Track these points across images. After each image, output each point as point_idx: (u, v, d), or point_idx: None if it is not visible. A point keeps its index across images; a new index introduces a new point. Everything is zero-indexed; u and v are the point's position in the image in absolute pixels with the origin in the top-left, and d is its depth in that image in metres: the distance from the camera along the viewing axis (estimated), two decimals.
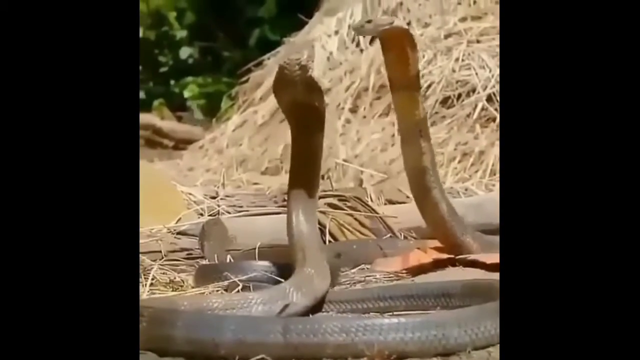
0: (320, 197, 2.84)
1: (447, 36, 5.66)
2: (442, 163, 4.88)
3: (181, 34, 11.10)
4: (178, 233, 3.07)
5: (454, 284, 2.30)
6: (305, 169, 2.38)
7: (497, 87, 5.14)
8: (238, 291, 2.34)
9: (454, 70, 5.39)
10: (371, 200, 3.34)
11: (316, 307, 2.20)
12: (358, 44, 6.07)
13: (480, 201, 3.39)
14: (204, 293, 2.38)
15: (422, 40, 5.55)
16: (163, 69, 11.12)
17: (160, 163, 6.85)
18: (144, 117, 8.31)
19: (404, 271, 2.64)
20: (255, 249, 2.74)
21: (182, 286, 2.53)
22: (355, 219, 3.04)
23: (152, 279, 2.52)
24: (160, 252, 2.88)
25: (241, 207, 3.47)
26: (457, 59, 5.42)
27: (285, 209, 2.40)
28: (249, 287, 2.35)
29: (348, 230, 3.00)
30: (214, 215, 3.32)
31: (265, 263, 2.49)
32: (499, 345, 1.81)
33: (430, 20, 5.86)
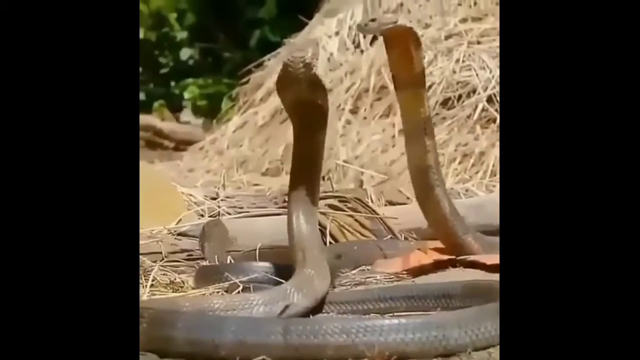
0: (321, 198, 2.83)
1: (447, 37, 5.66)
2: (443, 164, 4.87)
3: (182, 35, 11.11)
4: (178, 234, 3.07)
5: (454, 285, 2.30)
6: (306, 169, 2.37)
7: (498, 88, 5.14)
8: (239, 292, 2.34)
9: (454, 71, 5.40)
10: (371, 201, 3.34)
11: (317, 308, 2.20)
12: (358, 45, 6.08)
13: (480, 202, 3.39)
14: (204, 294, 2.38)
15: (422, 41, 5.55)
16: (163, 70, 11.13)
17: (160, 164, 6.86)
18: (144, 119, 8.32)
19: (404, 272, 2.64)
20: (255, 250, 2.74)
21: (182, 287, 2.53)
22: (356, 220, 3.04)
23: (153, 280, 2.52)
24: (161, 253, 2.88)
25: (241, 208, 3.48)
26: (457, 60, 5.43)
27: (286, 210, 2.39)
28: (250, 288, 2.35)
29: (348, 231, 3.00)
30: (215, 217, 3.32)
31: (266, 264, 2.49)
32: (499, 346, 1.82)
33: (431, 21, 5.87)
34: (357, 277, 2.65)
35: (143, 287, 2.48)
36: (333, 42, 6.14)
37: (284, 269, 2.36)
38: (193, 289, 2.49)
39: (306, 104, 2.31)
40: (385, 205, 3.44)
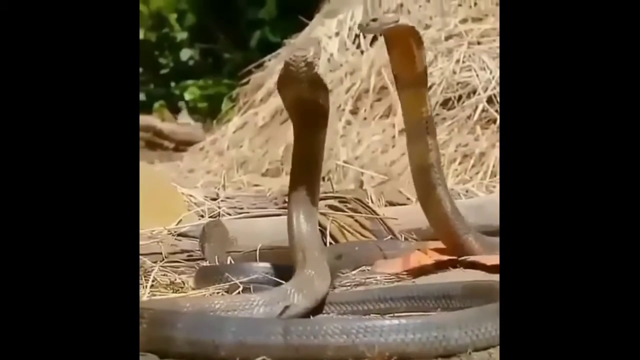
0: (321, 199, 2.83)
1: (447, 38, 5.66)
2: (443, 164, 4.87)
3: (182, 35, 11.11)
4: (178, 235, 3.07)
5: (454, 285, 2.30)
6: (306, 170, 2.37)
7: (498, 88, 5.14)
8: (239, 293, 2.34)
9: (454, 72, 5.40)
10: (372, 201, 3.34)
11: (317, 308, 2.20)
12: (359, 46, 6.08)
13: (480, 203, 3.39)
14: (205, 295, 2.38)
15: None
16: (164, 71, 11.13)
17: (160, 165, 6.86)
18: (145, 119, 8.31)
19: (404, 273, 2.64)
20: (255, 250, 2.74)
21: (182, 288, 2.53)
22: (356, 220, 3.04)
23: (153, 281, 2.52)
24: (161, 253, 2.88)
25: (242, 208, 3.48)
26: (457, 61, 5.42)
27: (286, 210, 2.39)
28: (250, 288, 2.35)
29: (349, 231, 3.00)
30: (215, 217, 3.32)
31: (266, 265, 2.49)
32: (499, 346, 1.82)
33: (431, 21, 5.86)
34: (357, 277, 2.65)
35: (143, 287, 2.48)
36: (333, 43, 6.13)
37: (284, 270, 2.36)
38: (193, 289, 2.49)
39: (307, 103, 2.30)
40: (386, 205, 3.44)
